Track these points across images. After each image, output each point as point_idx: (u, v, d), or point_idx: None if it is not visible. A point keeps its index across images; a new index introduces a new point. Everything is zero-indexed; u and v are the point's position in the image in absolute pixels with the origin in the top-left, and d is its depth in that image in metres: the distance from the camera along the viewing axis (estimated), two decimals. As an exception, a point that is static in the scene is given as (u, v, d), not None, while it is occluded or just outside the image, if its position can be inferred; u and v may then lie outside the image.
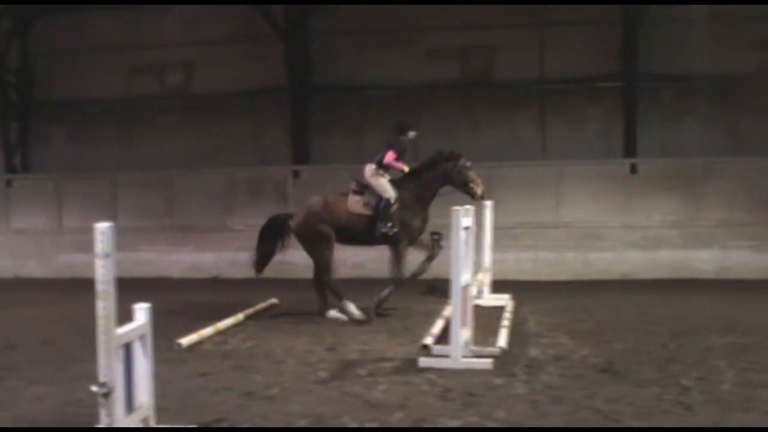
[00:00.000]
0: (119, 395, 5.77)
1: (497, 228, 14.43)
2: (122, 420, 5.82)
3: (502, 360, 9.11)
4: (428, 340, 9.59)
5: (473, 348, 9.36)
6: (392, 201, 12.25)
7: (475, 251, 10.51)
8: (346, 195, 12.64)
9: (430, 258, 12.71)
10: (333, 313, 12.50)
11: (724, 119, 18.49)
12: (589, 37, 18.78)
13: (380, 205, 12.29)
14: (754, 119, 18.41)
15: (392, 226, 12.21)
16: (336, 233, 12.53)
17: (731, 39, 18.31)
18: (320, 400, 7.53)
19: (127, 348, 6.04)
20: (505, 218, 16.06)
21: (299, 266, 17.90)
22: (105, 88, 20.65)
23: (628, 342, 10.33)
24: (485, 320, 11.28)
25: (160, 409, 6.46)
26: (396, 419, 6.91)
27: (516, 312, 12.60)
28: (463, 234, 8.95)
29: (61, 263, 19.37)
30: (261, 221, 18.41)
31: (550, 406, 7.28)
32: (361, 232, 12.48)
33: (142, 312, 6.30)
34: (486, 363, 8.84)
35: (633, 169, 17.79)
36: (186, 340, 10.15)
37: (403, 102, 19.59)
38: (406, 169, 12.57)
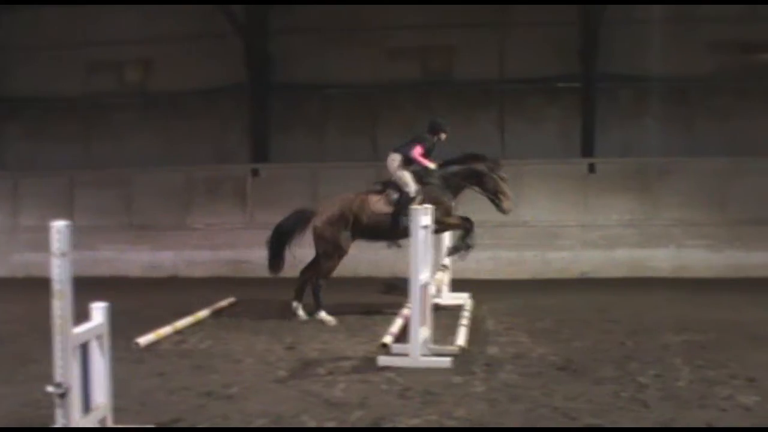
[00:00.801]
0: (76, 396, 5.72)
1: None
2: (78, 420, 5.77)
3: (461, 358, 9.14)
4: (387, 339, 9.59)
5: (432, 347, 9.39)
6: (412, 194, 12.23)
7: (434, 250, 10.54)
8: (367, 195, 12.61)
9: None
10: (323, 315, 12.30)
11: (681, 120, 18.70)
12: (549, 38, 18.92)
13: (401, 198, 12.25)
14: (711, 120, 18.64)
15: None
16: (361, 233, 12.56)
17: (688, 41, 18.56)
18: (279, 399, 7.51)
19: (84, 348, 5.99)
20: (465, 217, 16.12)
21: (257, 265, 17.92)
22: (63, 84, 20.44)
23: (586, 340, 10.42)
24: (444, 319, 11.33)
25: (117, 409, 6.42)
26: (355, 418, 6.90)
27: (475, 311, 12.65)
28: (421, 233, 8.97)
29: (17, 262, 19.17)
30: (220, 220, 18.49)
31: (508, 404, 7.32)
32: (387, 230, 12.44)
33: (99, 311, 6.25)
34: (445, 361, 8.87)
35: (591, 169, 17.96)
36: (144, 340, 10.08)
37: (364, 101, 19.64)
38: (431, 165, 12.53)
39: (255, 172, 18.87)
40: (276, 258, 12.92)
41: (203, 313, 12.40)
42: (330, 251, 12.46)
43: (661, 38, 18.15)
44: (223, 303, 13.53)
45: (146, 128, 20.17)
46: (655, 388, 7.81)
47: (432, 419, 6.85)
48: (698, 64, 18.77)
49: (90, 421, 6.06)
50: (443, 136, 12.81)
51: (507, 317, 12.28)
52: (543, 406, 7.20)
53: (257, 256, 17.97)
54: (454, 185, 12.57)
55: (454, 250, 12.75)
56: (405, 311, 10.57)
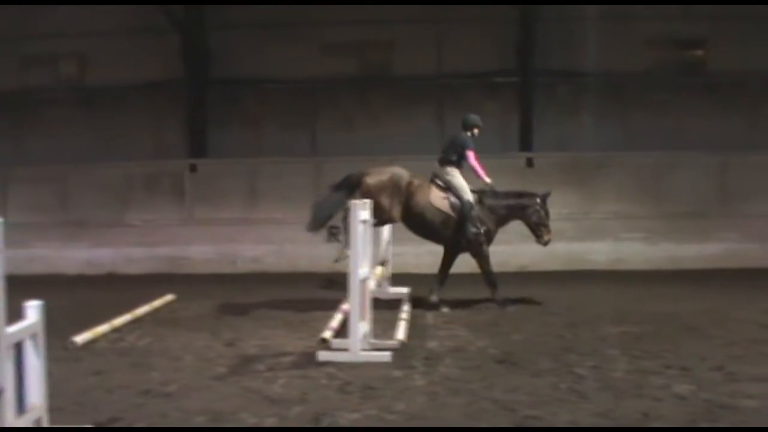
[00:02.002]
0: (10, 396, 5.62)
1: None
2: (13, 422, 5.68)
3: (401, 353, 9.19)
4: (327, 334, 9.60)
5: (372, 341, 9.42)
6: (472, 203, 12.37)
7: (373, 245, 10.55)
8: (427, 183, 12.62)
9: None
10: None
11: (617, 115, 18.96)
12: (487, 33, 19.06)
13: (463, 207, 12.34)
14: (646, 115, 18.94)
15: (481, 226, 12.43)
16: (409, 219, 12.52)
17: (624, 37, 18.84)
18: (219, 396, 7.49)
19: (18, 347, 5.89)
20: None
21: (196, 261, 17.83)
22: (-5, 79, 20.06)
23: (525, 333, 10.53)
24: (384, 313, 11.35)
25: (53, 409, 6.31)
26: (295, 414, 6.90)
27: (415, 305, 12.69)
28: (360, 227, 8.98)
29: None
30: (158, 216, 18.32)
31: (448, 397, 7.38)
32: (433, 228, 12.55)
33: (33, 310, 6.15)
34: (385, 356, 8.90)
35: (529, 163, 18.12)
36: (80, 338, 9.94)
37: (302, 96, 19.61)
38: (487, 179, 12.56)
39: (193, 168, 18.70)
40: (319, 219, 12.69)
41: (142, 311, 12.25)
42: (380, 206, 12.02)
43: (598, 35, 18.37)
44: (162, 300, 13.38)
45: (82, 124, 19.85)
46: (593, 379, 7.93)
47: (372, 414, 6.87)
48: (634, 60, 19.08)
49: (25, 422, 5.96)
50: (476, 131, 12.85)
51: (446, 311, 12.33)
52: (483, 399, 7.27)
53: (196, 252, 17.94)
54: (500, 216, 12.79)
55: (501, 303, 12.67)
56: (344, 306, 10.57)
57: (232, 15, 19.26)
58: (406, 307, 12.14)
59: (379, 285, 12.59)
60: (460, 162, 12.60)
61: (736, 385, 7.69)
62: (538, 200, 12.78)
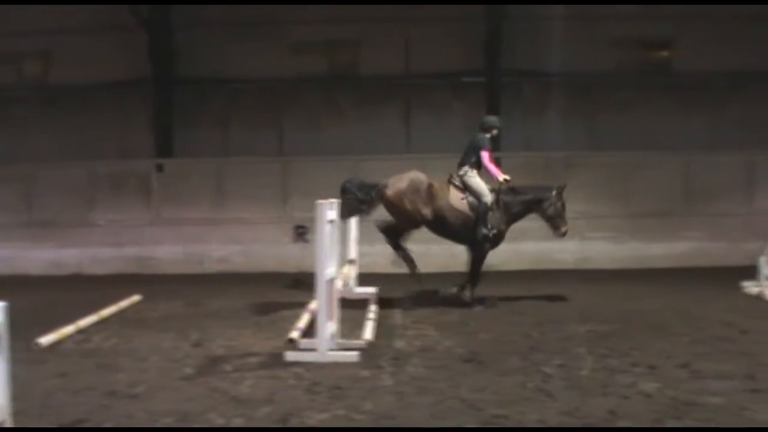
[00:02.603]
0: (-26, 398, 5.57)
1: (364, 220, 14.52)
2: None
3: (369, 352, 9.18)
4: (295, 334, 9.58)
5: (340, 341, 9.40)
6: (490, 205, 12.52)
7: (340, 244, 10.55)
8: (446, 185, 12.79)
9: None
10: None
11: (583, 115, 19.08)
12: (454, 33, 19.12)
13: (480, 207, 12.51)
14: (612, 115, 19.08)
15: (492, 228, 12.54)
16: (424, 219, 12.68)
17: (590, 38, 18.99)
18: (186, 397, 7.45)
19: (-18, 349, 5.83)
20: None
21: (163, 261, 17.75)
22: (-43, 77, 19.83)
23: (492, 332, 10.57)
24: (352, 313, 11.34)
25: (18, 412, 6.26)
26: (262, 414, 6.88)
27: (382, 304, 12.70)
28: (327, 227, 8.97)
29: None
30: (124, 216, 18.19)
31: (416, 397, 7.38)
32: (456, 229, 12.74)
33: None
34: (353, 356, 8.90)
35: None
36: (45, 340, 9.85)
37: (269, 95, 19.57)
38: (501, 177, 12.68)
39: (160, 168, 18.58)
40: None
41: (108, 311, 12.16)
42: (405, 218, 12.69)
43: (564, 35, 18.50)
44: (129, 300, 13.28)
45: (46, 123, 19.67)
46: (560, 378, 7.97)
47: (340, 414, 6.86)
48: (599, 60, 19.21)
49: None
50: (495, 132, 13.05)
51: (414, 310, 12.35)
52: (450, 398, 7.28)
53: (163, 253, 17.85)
54: (515, 213, 12.96)
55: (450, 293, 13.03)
56: (312, 306, 10.55)
57: (199, 14, 19.19)
58: (373, 307, 12.13)
59: (346, 285, 12.59)
60: (479, 163, 12.74)
61: (701, 382, 7.77)
62: (554, 193, 12.90)
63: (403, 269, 12.98)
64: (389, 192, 12.56)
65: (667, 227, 17.77)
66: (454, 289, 12.99)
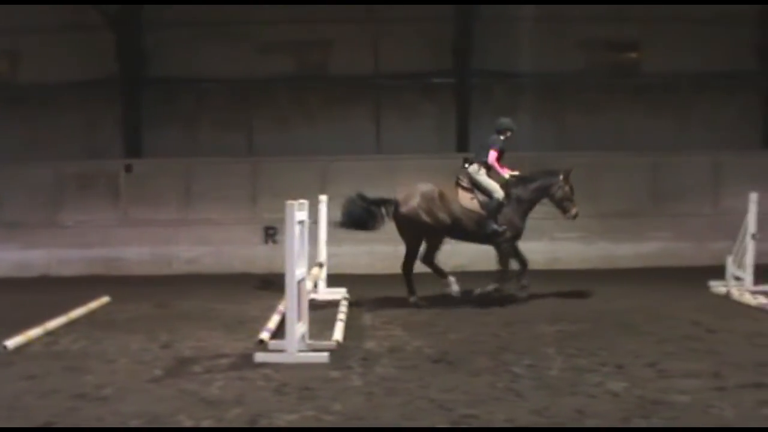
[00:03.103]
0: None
1: (333, 221, 14.54)
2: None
3: (338, 353, 9.18)
4: (264, 335, 9.57)
5: (309, 342, 9.41)
6: (502, 200, 12.70)
7: (309, 245, 10.54)
8: (455, 187, 12.97)
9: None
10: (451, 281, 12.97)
11: (552, 115, 19.18)
12: (424, 34, 19.17)
13: (491, 204, 12.66)
14: (581, 116, 19.20)
15: (502, 224, 12.67)
16: (445, 227, 12.82)
17: (559, 39, 19.12)
18: (155, 399, 7.41)
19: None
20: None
21: (132, 263, 17.65)
22: None
23: (461, 332, 10.60)
24: (321, 314, 11.35)
25: (-16, 414, 6.25)
26: (232, 416, 6.86)
27: (352, 305, 12.71)
28: (297, 228, 8.96)
29: None
30: (92, 217, 18.04)
31: (385, 397, 7.40)
32: (471, 229, 12.88)
33: (-37, 314, 6.07)
34: (322, 356, 8.90)
35: (466, 163, 18.22)
36: (12, 342, 9.76)
37: (239, 95, 19.52)
38: (506, 175, 13.01)
39: (128, 168, 18.45)
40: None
41: (76, 313, 12.07)
42: (420, 232, 12.87)
43: (533, 36, 18.67)
44: (97, 302, 13.19)
45: (12, 122, 19.48)
46: (529, 378, 8.02)
47: (309, 415, 6.86)
48: (568, 61, 19.33)
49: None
50: (509, 134, 13.23)
51: (383, 311, 12.37)
52: (419, 399, 7.30)
53: (131, 254, 17.75)
54: (528, 204, 13.18)
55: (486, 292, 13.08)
56: (281, 307, 10.53)
57: (167, 14, 19.08)
58: (343, 308, 12.14)
59: (315, 286, 12.60)
60: (487, 163, 12.97)
61: (669, 381, 7.83)
62: (561, 177, 13.12)
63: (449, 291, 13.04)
64: (404, 209, 12.73)
65: (635, 227, 17.90)
66: (490, 288, 13.07)
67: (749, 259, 13.65)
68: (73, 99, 19.50)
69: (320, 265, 13.26)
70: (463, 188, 12.93)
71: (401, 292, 13.17)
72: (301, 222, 9.20)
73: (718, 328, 10.60)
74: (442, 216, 12.68)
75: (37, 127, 19.38)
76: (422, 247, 13.03)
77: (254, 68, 19.35)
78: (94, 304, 12.97)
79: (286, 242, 8.97)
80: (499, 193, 12.72)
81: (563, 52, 19.27)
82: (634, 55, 20.04)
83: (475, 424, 6.60)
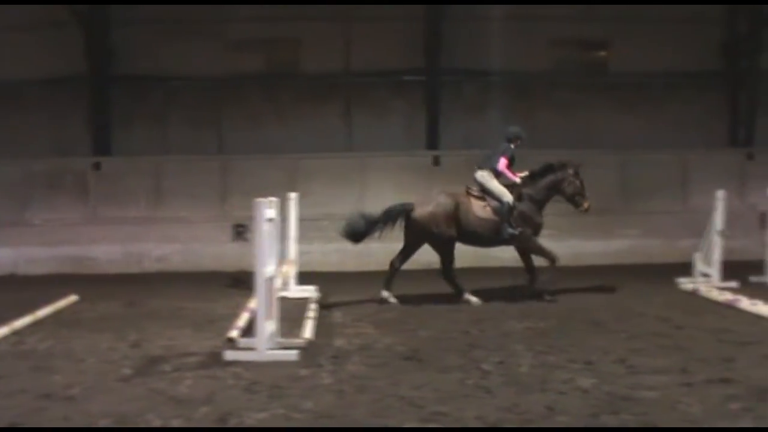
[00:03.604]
0: None
1: (304, 219, 14.51)
2: None
3: (308, 351, 9.18)
4: (234, 333, 9.54)
5: (279, 340, 9.39)
6: (512, 204, 12.92)
7: (279, 243, 10.53)
8: (467, 197, 13.14)
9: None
10: (468, 297, 12.95)
11: (522, 113, 19.20)
12: (395, 32, 19.15)
13: (503, 209, 12.87)
14: (551, 114, 19.27)
15: (517, 226, 12.93)
16: (463, 236, 13.06)
17: (529, 37, 19.14)
18: (123, 399, 7.37)
19: None
20: (312, 209, 16.22)
21: (101, 261, 17.54)
22: None
23: (431, 330, 10.63)
24: (291, 312, 11.32)
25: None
26: (201, 414, 6.84)
27: (322, 303, 12.70)
28: (266, 226, 8.94)
29: None
30: (60, 215, 17.91)
31: (355, 395, 7.39)
32: (489, 236, 13.11)
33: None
34: (292, 355, 8.89)
35: (436, 162, 18.28)
36: (-21, 341, 9.72)
37: (209, 93, 19.42)
38: (518, 179, 13.24)
39: (97, 166, 18.34)
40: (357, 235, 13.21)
41: (43, 312, 12.00)
42: (440, 241, 12.98)
43: (503, 35, 18.65)
44: (65, 301, 13.11)
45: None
46: (498, 374, 8.05)
47: (279, 413, 6.85)
48: (538, 59, 19.40)
49: None
50: (519, 142, 13.45)
51: (353, 309, 12.38)
52: (389, 396, 7.30)
53: (100, 252, 17.65)
54: (542, 201, 13.39)
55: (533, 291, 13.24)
56: (251, 305, 10.51)
57: (136, 11, 18.89)
58: (313, 306, 12.13)
59: (285, 283, 12.59)
60: (497, 170, 13.20)
61: (637, 377, 7.88)
62: (571, 171, 13.33)
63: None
64: (418, 214, 12.94)
65: (604, 225, 18.01)
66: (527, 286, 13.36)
67: (716, 255, 13.79)
68: (41, 96, 19.27)
69: (289, 262, 13.27)
70: (475, 197, 13.09)
71: (373, 290, 13.19)
72: (270, 219, 9.18)
73: (686, 324, 10.68)
74: (451, 228, 12.85)
75: (3, 125, 19.14)
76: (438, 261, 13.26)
77: (224, 66, 19.26)
78: (62, 303, 12.91)
79: (255, 240, 8.95)
80: (507, 196, 12.94)
81: (533, 50, 19.33)
82: (603, 54, 20.15)
83: (444, 421, 6.60)
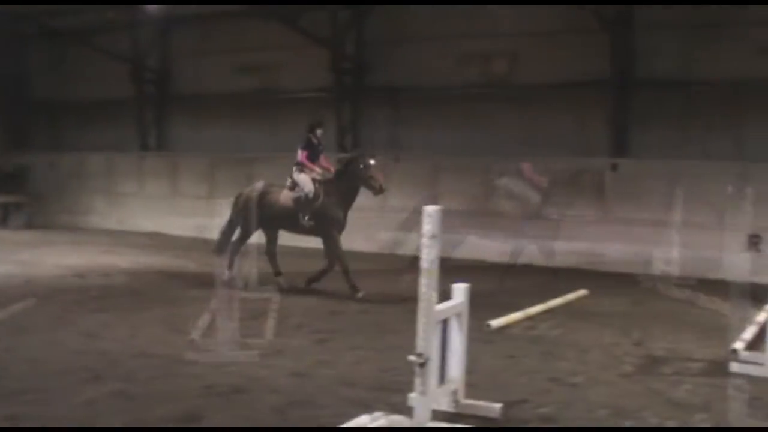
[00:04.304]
0: (434, 367, 6.24)
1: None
2: (434, 390, 6.29)
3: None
4: (738, 345, 9.37)
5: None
6: (311, 195, 13.44)
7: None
8: (280, 187, 14.04)
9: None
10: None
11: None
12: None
13: (300, 199, 13.52)
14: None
15: (309, 219, 13.47)
16: (268, 221, 13.90)
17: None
18: (623, 393, 7.65)
19: (444, 324, 6.52)
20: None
21: (611, 259, 17.79)
22: None
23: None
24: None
25: (468, 384, 6.87)
26: (697, 420, 6.90)
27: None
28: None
29: (384, 239, 20.50)
30: (578, 212, 18.44)
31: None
32: (288, 222, 13.80)
33: (460, 291, 6.77)
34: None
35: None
36: (496, 323, 10.49)
37: (730, 98, 18.77)
38: (318, 171, 13.76)
39: (614, 167, 18.56)
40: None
41: (555, 302, 12.63)
42: (246, 220, 13.84)
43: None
44: (575, 294, 13.63)
45: (514, 119, 20.50)
46: None
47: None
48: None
49: (444, 392, 6.59)
50: (319, 131, 13.95)
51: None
52: None
53: (612, 250, 17.94)
54: (349, 192, 13.62)
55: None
56: (760, 318, 10.21)
57: (662, 14, 18.77)
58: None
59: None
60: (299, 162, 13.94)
61: None
62: (360, 160, 13.62)
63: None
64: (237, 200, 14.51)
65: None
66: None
67: None
68: (568, 98, 19.88)
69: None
70: (288, 188, 13.72)
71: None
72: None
73: None
74: (258, 211, 13.51)
75: (534, 125, 20.06)
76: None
77: (749, 70, 18.42)
78: (572, 295, 13.47)
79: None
80: (308, 187, 13.40)
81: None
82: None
83: None
